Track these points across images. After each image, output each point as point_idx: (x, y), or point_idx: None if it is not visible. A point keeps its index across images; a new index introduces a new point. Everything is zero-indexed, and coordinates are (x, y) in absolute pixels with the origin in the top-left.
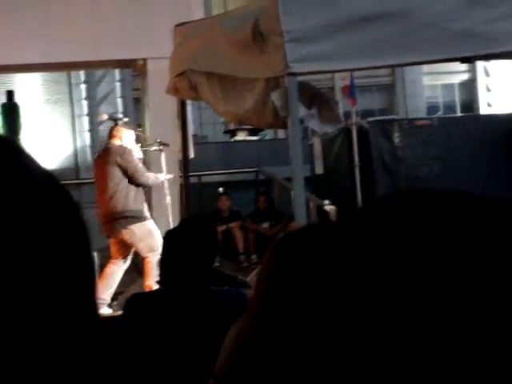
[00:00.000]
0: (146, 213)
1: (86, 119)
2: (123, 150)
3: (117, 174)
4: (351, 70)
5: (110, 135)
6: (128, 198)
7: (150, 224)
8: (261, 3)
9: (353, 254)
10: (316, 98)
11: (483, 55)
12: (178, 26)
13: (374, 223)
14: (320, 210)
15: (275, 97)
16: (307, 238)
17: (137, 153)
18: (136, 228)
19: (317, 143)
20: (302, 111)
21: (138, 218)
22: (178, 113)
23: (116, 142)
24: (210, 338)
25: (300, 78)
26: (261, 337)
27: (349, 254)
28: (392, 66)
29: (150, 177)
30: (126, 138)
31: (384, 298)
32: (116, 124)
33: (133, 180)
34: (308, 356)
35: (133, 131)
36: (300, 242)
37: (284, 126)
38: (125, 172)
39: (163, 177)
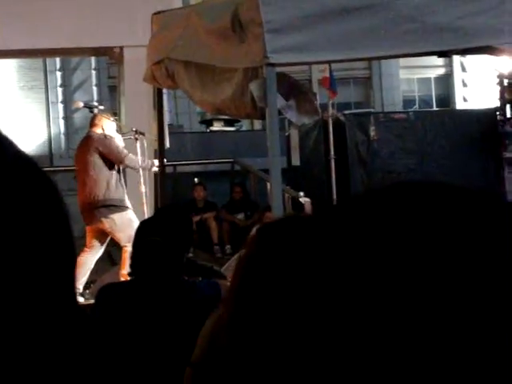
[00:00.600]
0: (127, 202)
1: (60, 106)
2: (104, 137)
3: (98, 161)
4: (330, 62)
5: (92, 124)
6: (109, 186)
7: (130, 214)
8: None
9: (330, 245)
10: (294, 89)
11: (461, 49)
12: (155, 14)
13: (348, 215)
14: (295, 201)
15: (253, 87)
16: (286, 229)
17: (118, 141)
18: (116, 217)
19: (294, 134)
20: (280, 102)
21: (119, 206)
22: (153, 102)
23: (97, 130)
24: (184, 327)
25: (278, 69)
26: (241, 325)
27: (326, 245)
28: (371, 59)
29: (134, 158)
30: (107, 126)
31: (360, 286)
32: (96, 113)
33: (116, 163)
34: (287, 344)
35: (114, 120)
36: (279, 232)
37: (262, 117)
38: (107, 158)
39: (149, 163)
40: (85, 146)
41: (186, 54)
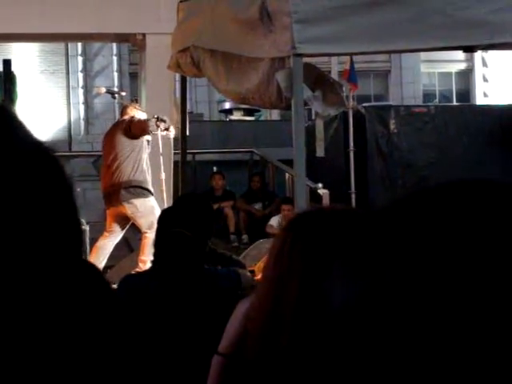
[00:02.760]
0: (150, 188)
1: (81, 91)
2: (131, 118)
3: (126, 143)
4: (357, 54)
5: (122, 113)
6: (135, 168)
7: (152, 200)
8: None
9: (370, 239)
10: (321, 80)
11: (487, 45)
12: (181, 1)
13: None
14: (313, 192)
15: (280, 77)
16: (323, 220)
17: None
18: (139, 203)
19: (319, 126)
20: (306, 93)
21: (143, 190)
22: (174, 89)
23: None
24: (207, 315)
25: (305, 60)
26: (278, 315)
27: (364, 238)
28: (399, 52)
29: (153, 123)
30: (136, 116)
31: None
32: (128, 104)
33: (143, 130)
34: (325, 336)
35: (144, 113)
36: (316, 222)
37: (287, 107)
38: (133, 132)
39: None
40: (114, 129)
41: (213, 43)
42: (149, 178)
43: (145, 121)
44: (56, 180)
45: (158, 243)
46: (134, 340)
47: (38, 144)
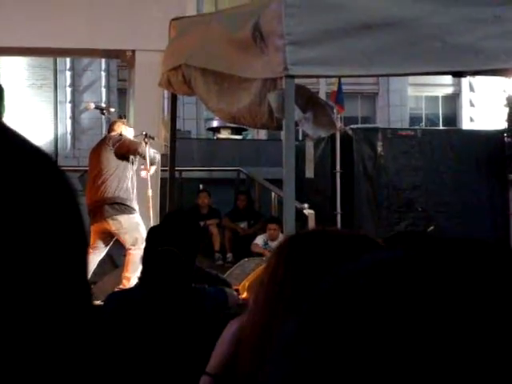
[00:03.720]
0: (135, 204)
1: (68, 106)
2: (120, 137)
3: (112, 160)
4: (350, 76)
5: (110, 129)
6: (120, 185)
7: (137, 217)
8: (262, 3)
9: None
10: (312, 101)
11: (476, 70)
12: (174, 19)
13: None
14: (298, 213)
15: (272, 98)
16: (312, 243)
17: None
18: (123, 219)
19: (309, 147)
20: (298, 114)
21: (126, 208)
22: (162, 106)
23: (114, 134)
24: (194, 334)
25: (296, 81)
26: (268, 340)
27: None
28: (390, 75)
29: (145, 148)
30: (125, 133)
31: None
32: (116, 120)
33: (131, 152)
34: (318, 355)
35: (132, 129)
36: (306, 246)
37: (278, 128)
38: (121, 151)
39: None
40: (100, 146)
41: (205, 62)
42: (133, 196)
43: (136, 143)
44: (59, 184)
45: (146, 261)
46: (117, 357)
47: (37, 149)
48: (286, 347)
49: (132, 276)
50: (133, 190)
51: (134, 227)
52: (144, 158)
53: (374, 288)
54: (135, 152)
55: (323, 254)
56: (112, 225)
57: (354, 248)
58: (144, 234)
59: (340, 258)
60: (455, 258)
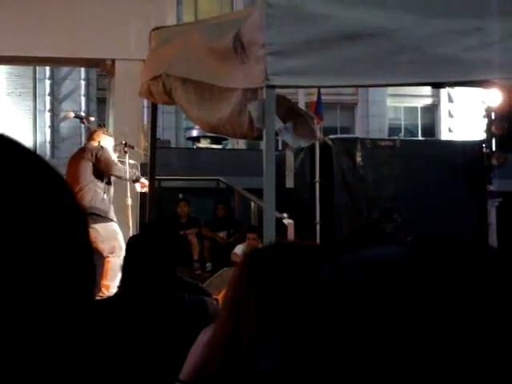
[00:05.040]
0: (112, 215)
1: (48, 115)
2: (99, 148)
3: (89, 171)
4: (332, 87)
5: (90, 138)
6: (96, 196)
7: (114, 225)
8: (243, 13)
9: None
10: (292, 111)
11: (456, 82)
12: (154, 29)
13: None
14: (278, 222)
15: (252, 108)
16: (277, 256)
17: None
18: (101, 228)
19: (290, 157)
20: (278, 124)
21: (103, 217)
22: (141, 115)
23: (94, 144)
24: (172, 343)
25: (277, 91)
26: (235, 346)
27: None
28: (371, 86)
29: (122, 168)
30: (104, 142)
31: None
32: (96, 128)
33: (104, 171)
34: (285, 364)
35: (112, 138)
36: (273, 257)
37: (258, 138)
38: (98, 167)
39: (136, 175)
40: (79, 155)
41: (185, 71)
42: (110, 206)
43: (111, 166)
44: (56, 182)
45: (125, 269)
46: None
47: (28, 149)
48: (281, 337)
49: (111, 284)
50: (110, 200)
51: (112, 235)
52: (119, 178)
53: (370, 280)
54: (108, 174)
55: (285, 266)
56: (90, 233)
57: (316, 260)
58: (122, 242)
59: (302, 269)
60: (450, 253)
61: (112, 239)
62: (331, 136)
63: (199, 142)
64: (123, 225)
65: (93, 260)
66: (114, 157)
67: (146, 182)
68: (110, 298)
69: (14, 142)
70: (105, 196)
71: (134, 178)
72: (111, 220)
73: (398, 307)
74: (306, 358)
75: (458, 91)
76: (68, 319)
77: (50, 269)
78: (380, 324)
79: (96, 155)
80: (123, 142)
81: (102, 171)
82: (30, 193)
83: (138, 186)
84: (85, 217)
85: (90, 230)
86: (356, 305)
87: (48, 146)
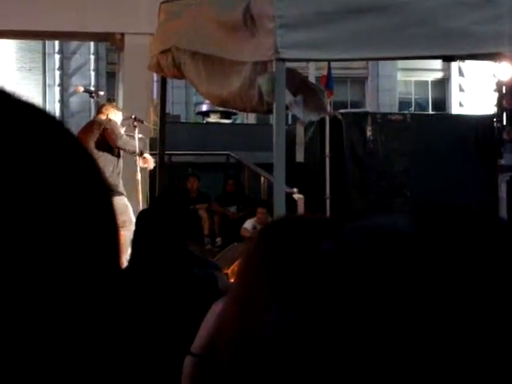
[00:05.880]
0: (122, 188)
1: (57, 90)
2: (107, 121)
3: (97, 144)
4: (341, 60)
5: (99, 111)
6: (104, 170)
7: (124, 199)
8: None
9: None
10: (302, 85)
11: (467, 55)
12: (163, 2)
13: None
14: (288, 197)
15: (262, 81)
16: (292, 229)
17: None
18: None
19: (300, 131)
20: (288, 98)
21: (113, 192)
22: (151, 90)
23: (102, 117)
24: (183, 316)
25: (287, 65)
26: (247, 319)
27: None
28: (382, 59)
29: (128, 141)
30: (113, 116)
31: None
32: (105, 102)
33: (111, 143)
34: (293, 340)
35: (120, 112)
36: (284, 232)
37: (268, 112)
38: (105, 139)
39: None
40: (88, 128)
41: (195, 45)
42: (119, 180)
43: (116, 138)
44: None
45: (136, 244)
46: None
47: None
48: (284, 304)
49: (121, 258)
50: (119, 174)
51: (122, 209)
52: (125, 151)
53: (376, 252)
54: (114, 147)
55: (297, 240)
56: None
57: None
58: (132, 216)
59: (312, 242)
60: (454, 223)
61: (122, 213)
62: (341, 110)
63: (209, 116)
64: (133, 199)
65: (117, 227)
66: (122, 130)
67: (149, 158)
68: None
69: (38, 109)
70: (114, 169)
71: (138, 151)
72: (120, 194)
73: (405, 280)
74: (304, 325)
75: (468, 65)
76: (96, 288)
77: (77, 233)
78: (384, 295)
79: (103, 128)
80: (132, 117)
81: (109, 143)
82: (55, 158)
83: (140, 161)
84: (106, 182)
85: None
86: (362, 277)
87: None
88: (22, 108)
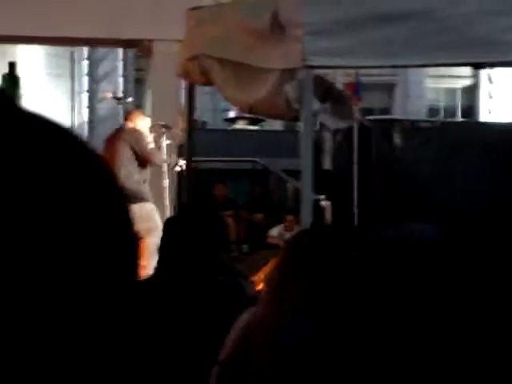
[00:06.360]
0: (147, 195)
1: (85, 96)
2: (136, 131)
3: (125, 152)
4: (369, 67)
5: (126, 118)
6: (130, 177)
7: (150, 206)
8: None
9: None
10: (330, 92)
11: (495, 62)
12: (191, 9)
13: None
14: (315, 204)
15: (290, 88)
16: (323, 239)
17: (148, 139)
18: (136, 208)
19: (327, 138)
20: (316, 105)
21: (138, 198)
22: (179, 96)
23: (130, 125)
24: (211, 326)
25: (315, 72)
26: (279, 326)
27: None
28: (410, 67)
29: (160, 156)
30: (140, 124)
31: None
32: (133, 109)
33: (145, 160)
34: (326, 347)
35: (148, 119)
36: (317, 241)
37: (296, 119)
38: (135, 153)
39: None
40: (116, 135)
41: (222, 52)
42: (145, 186)
43: (152, 154)
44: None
45: (163, 251)
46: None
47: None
48: (309, 307)
49: (147, 264)
50: (144, 181)
51: (147, 216)
52: (151, 162)
53: (398, 257)
54: (151, 163)
55: (326, 250)
56: None
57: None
58: (159, 223)
59: (341, 252)
60: (478, 233)
61: (146, 220)
62: (369, 117)
63: (236, 123)
64: (160, 206)
65: (135, 238)
66: (150, 138)
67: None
68: (147, 280)
69: (52, 123)
70: (140, 178)
71: (173, 165)
72: (145, 200)
73: (425, 284)
74: (330, 335)
75: (497, 72)
76: (112, 298)
77: (95, 243)
78: (406, 298)
79: (134, 143)
80: (160, 123)
81: (143, 159)
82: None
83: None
84: (123, 194)
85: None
86: (384, 280)
87: (86, 126)
88: (35, 122)
